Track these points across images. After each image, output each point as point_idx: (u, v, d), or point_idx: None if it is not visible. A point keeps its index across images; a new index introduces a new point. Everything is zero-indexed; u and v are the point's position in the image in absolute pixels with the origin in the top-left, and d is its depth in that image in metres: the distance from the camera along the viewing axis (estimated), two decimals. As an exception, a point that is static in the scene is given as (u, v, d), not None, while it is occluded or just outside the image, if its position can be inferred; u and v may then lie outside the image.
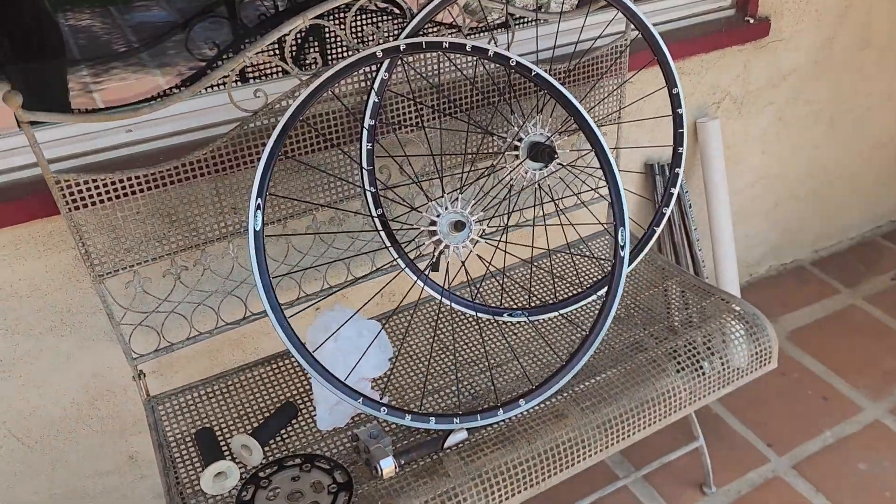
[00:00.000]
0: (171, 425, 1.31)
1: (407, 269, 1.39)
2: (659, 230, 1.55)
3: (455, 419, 1.26)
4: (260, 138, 1.27)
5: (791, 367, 2.08)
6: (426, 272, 1.42)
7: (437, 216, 1.24)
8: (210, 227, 1.29)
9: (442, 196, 1.27)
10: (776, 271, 2.47)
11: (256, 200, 1.18)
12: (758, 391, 1.99)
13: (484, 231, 1.28)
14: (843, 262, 2.50)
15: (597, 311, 1.54)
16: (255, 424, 1.31)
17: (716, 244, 2.03)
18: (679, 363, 1.39)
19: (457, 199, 1.25)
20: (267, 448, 1.26)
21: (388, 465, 1.18)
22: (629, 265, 1.58)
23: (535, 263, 1.67)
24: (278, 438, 1.28)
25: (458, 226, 1.23)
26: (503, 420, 1.29)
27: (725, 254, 2.02)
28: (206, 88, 1.19)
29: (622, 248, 1.34)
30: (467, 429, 1.26)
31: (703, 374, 1.39)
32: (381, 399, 1.30)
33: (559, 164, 1.43)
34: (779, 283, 2.42)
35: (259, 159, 1.16)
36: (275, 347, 1.52)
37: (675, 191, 1.53)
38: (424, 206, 1.28)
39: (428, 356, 1.43)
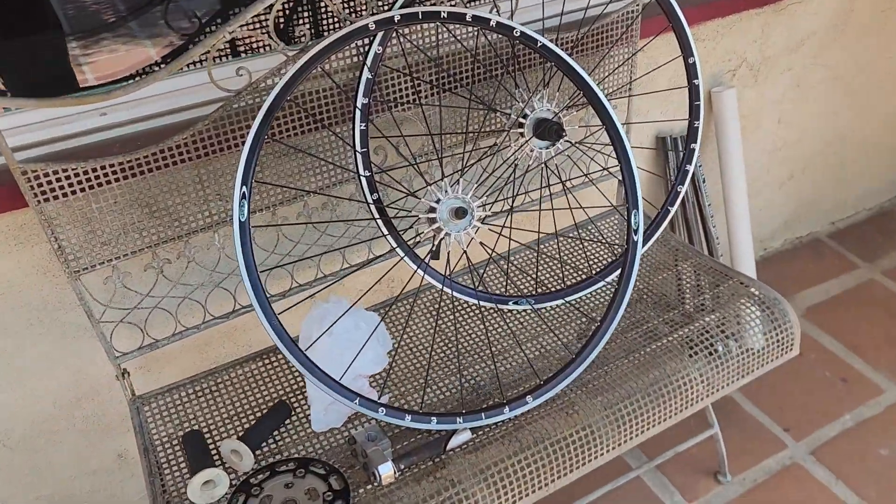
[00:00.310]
0: (158, 427, 1.23)
1: (406, 258, 1.30)
2: (673, 210, 1.46)
3: (458, 419, 1.18)
4: (245, 120, 1.17)
5: (808, 347, 2.00)
6: (426, 260, 1.33)
7: (437, 202, 1.15)
8: (193, 216, 1.20)
9: (441, 179, 1.18)
10: (791, 245, 2.38)
11: (241, 189, 1.09)
12: (774, 374, 1.90)
13: (486, 217, 1.18)
14: (861, 234, 2.41)
15: (607, 298, 1.46)
16: (247, 425, 1.23)
17: (730, 219, 1.94)
18: (695, 352, 1.30)
19: (457, 182, 1.16)
20: (259, 451, 1.19)
21: (386, 471, 1.11)
22: (643, 247, 1.49)
23: (542, 246, 1.58)
24: (271, 440, 1.21)
25: (460, 212, 1.14)
26: (509, 418, 1.21)
27: (740, 229, 1.93)
28: (187, 66, 1.09)
29: (635, 232, 1.25)
30: (471, 429, 1.19)
31: (721, 363, 1.30)
32: (379, 398, 1.23)
33: (567, 141, 1.33)
34: (794, 258, 2.32)
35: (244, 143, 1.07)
36: (267, 341, 1.43)
37: (691, 168, 1.44)
38: (423, 191, 1.19)
39: (429, 350, 1.35)
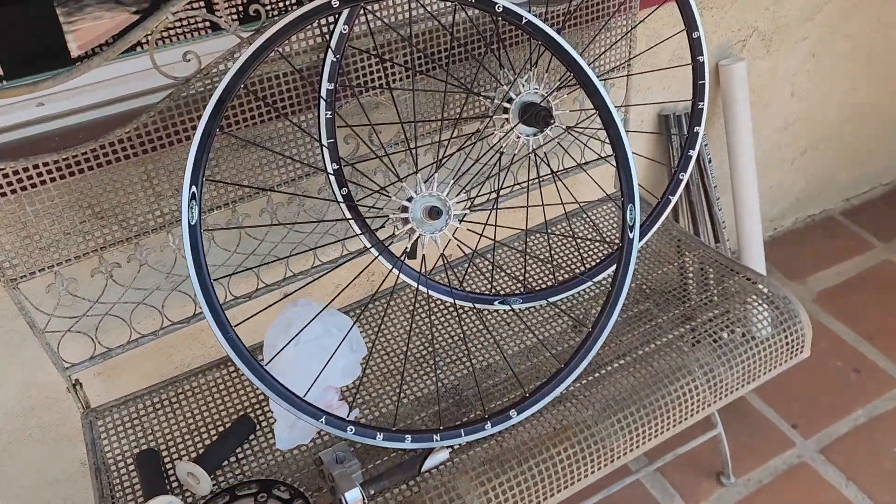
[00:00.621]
0: (112, 444, 1.14)
1: (381, 258, 1.19)
2: (675, 199, 1.33)
3: (435, 436, 1.08)
4: (196, 110, 1.06)
5: (819, 336, 1.88)
6: (402, 259, 1.22)
7: (409, 200, 1.04)
8: (143, 216, 1.10)
9: (416, 172, 1.06)
10: (803, 224, 2.25)
11: (190, 189, 0.98)
12: (782, 364, 1.81)
13: (466, 215, 1.07)
14: (876, 212, 2.27)
15: (603, 294, 1.35)
16: (208, 440, 1.14)
17: (738, 201, 1.81)
18: (699, 356, 1.20)
19: (432, 177, 1.04)
20: (220, 470, 1.10)
21: (354, 498, 1.01)
22: (640, 241, 1.37)
23: (530, 240, 1.47)
24: (233, 458, 1.11)
25: (434, 212, 1.02)
26: (492, 435, 1.11)
27: (748, 212, 1.80)
28: (133, 48, 0.98)
29: (631, 228, 1.13)
30: (449, 447, 1.09)
31: (727, 367, 1.20)
32: (349, 413, 1.13)
33: (559, 127, 1.21)
34: (805, 238, 2.20)
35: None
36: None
37: (695, 153, 1.31)
38: (396, 187, 1.07)
39: (403, 359, 1.25)
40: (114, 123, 1.03)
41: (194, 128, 1.05)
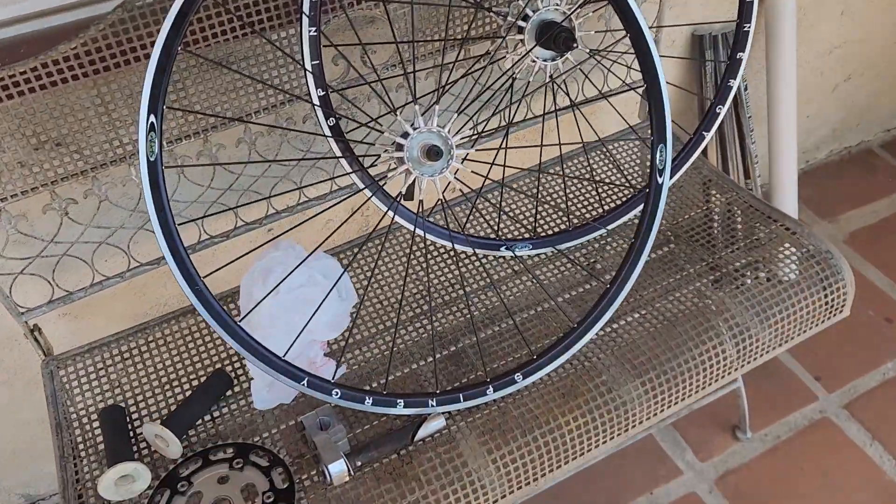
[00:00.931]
0: (74, 397, 1.04)
1: (375, 199, 1.05)
2: (710, 136, 1.18)
3: (430, 401, 0.97)
4: (155, 23, 0.90)
5: (849, 281, 1.75)
6: (398, 200, 1.08)
7: (405, 136, 0.89)
8: (99, 147, 0.95)
9: (413, 101, 0.90)
10: (837, 157, 2.08)
11: (149, 118, 0.83)
12: (808, 312, 1.68)
13: (470, 154, 0.92)
14: (919, 145, 2.10)
15: (623, 246, 1.21)
16: (181, 396, 1.03)
17: (773, 134, 1.64)
18: (727, 314, 1.07)
19: (432, 109, 0.89)
20: (193, 431, 0.99)
21: (338, 470, 0.91)
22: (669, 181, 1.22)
23: (543, 178, 1.32)
24: (208, 418, 1.01)
25: (433, 153, 0.88)
26: (494, 401, 1.00)
27: (785, 146, 1.63)
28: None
29: (660, 172, 0.98)
30: (446, 414, 0.98)
31: (758, 330, 1.07)
32: (335, 373, 1.01)
33: (583, 51, 1.04)
34: (840, 172, 2.03)
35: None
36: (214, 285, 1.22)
37: (736, 83, 1.15)
38: (389, 118, 0.93)
39: (397, 311, 1.12)
40: (60, 37, 0.88)
41: (153, 44, 0.89)
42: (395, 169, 0.89)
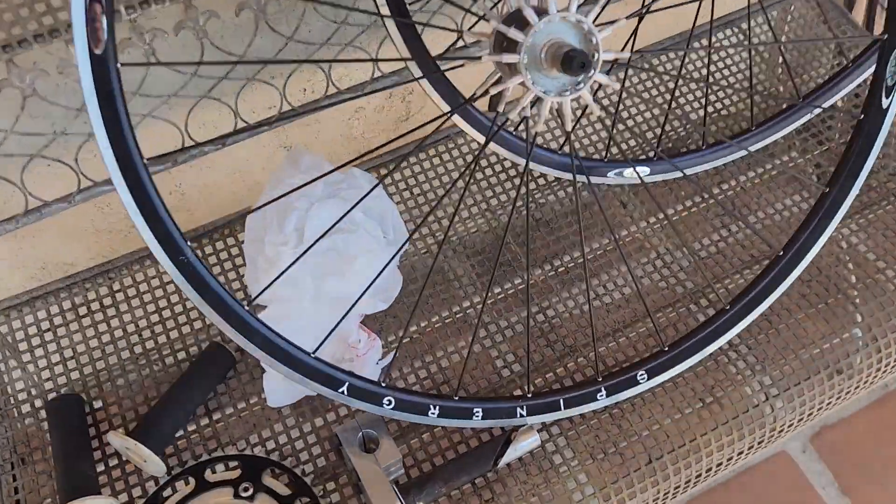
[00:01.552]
0: (12, 376, 0.74)
1: (456, 115, 0.69)
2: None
3: (519, 409, 0.68)
4: None
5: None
6: (468, 102, 0.72)
7: (524, 28, 0.52)
8: (13, 14, 0.58)
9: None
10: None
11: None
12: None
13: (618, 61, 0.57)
14: None
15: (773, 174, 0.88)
16: (162, 377, 0.74)
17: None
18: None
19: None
20: (182, 432, 0.71)
21: (394, 519, 0.64)
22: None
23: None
24: (202, 412, 0.72)
25: (569, 61, 0.52)
26: (606, 408, 0.71)
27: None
28: None
29: (889, 91, 0.65)
30: (540, 427, 0.70)
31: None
32: (384, 375, 0.71)
33: None
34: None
35: None
36: (207, 212, 0.89)
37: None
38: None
39: (491, 272, 0.80)
40: None
41: None
42: (504, 84, 0.54)
